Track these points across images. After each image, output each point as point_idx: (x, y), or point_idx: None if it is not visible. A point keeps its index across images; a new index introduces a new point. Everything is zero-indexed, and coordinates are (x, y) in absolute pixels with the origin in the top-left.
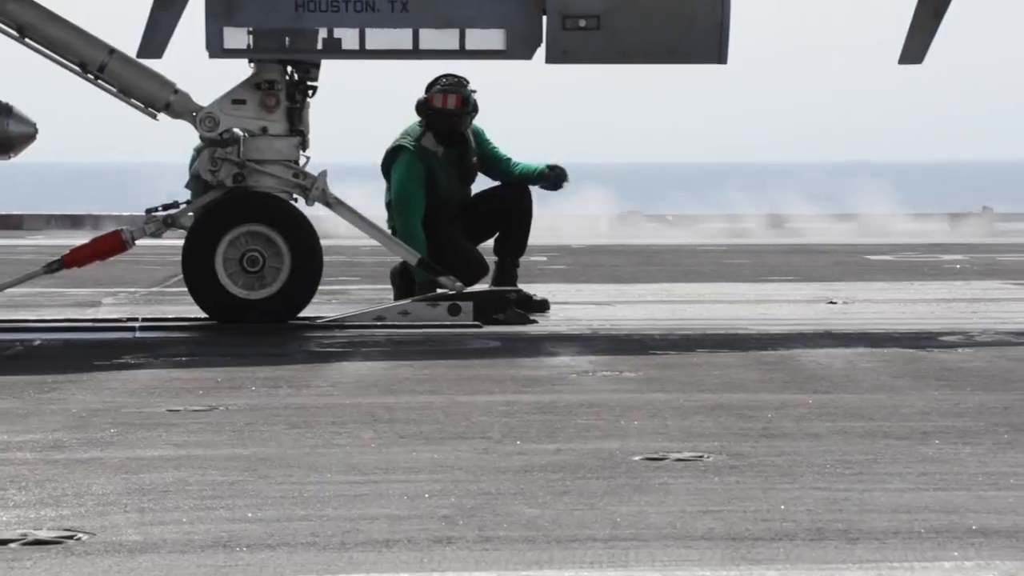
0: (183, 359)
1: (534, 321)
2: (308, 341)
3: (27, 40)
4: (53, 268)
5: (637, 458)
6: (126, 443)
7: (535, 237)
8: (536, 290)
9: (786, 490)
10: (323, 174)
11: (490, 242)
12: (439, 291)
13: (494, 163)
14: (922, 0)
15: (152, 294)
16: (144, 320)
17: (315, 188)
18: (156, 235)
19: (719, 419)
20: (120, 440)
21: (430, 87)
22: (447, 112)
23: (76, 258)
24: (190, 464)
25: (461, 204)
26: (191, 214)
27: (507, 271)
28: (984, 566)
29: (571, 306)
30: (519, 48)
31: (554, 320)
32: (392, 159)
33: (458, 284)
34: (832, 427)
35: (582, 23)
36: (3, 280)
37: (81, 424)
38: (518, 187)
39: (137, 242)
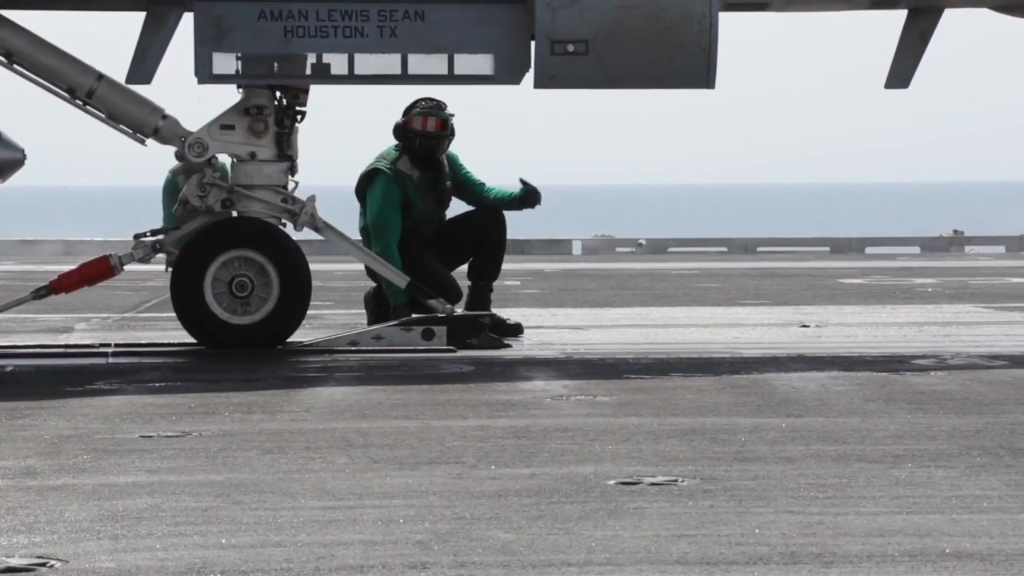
0: (156, 385)
1: (508, 345)
2: (282, 366)
3: (15, 66)
4: (41, 294)
5: (611, 482)
6: (99, 469)
7: (508, 261)
8: (510, 314)
9: (760, 514)
10: (311, 199)
11: (463, 267)
12: (429, 314)
13: (468, 187)
14: (908, 25)
15: (125, 320)
16: (117, 346)
17: (304, 213)
18: (144, 260)
19: (693, 443)
20: (93, 466)
21: (408, 110)
22: (427, 135)
23: (64, 283)
24: (163, 490)
25: (435, 228)
26: (179, 239)
27: (481, 295)
28: None
29: (545, 330)
30: (507, 73)
31: (528, 344)
32: (368, 182)
33: (448, 307)
34: (805, 451)
35: (571, 48)
36: None
37: (53, 451)
38: (492, 213)
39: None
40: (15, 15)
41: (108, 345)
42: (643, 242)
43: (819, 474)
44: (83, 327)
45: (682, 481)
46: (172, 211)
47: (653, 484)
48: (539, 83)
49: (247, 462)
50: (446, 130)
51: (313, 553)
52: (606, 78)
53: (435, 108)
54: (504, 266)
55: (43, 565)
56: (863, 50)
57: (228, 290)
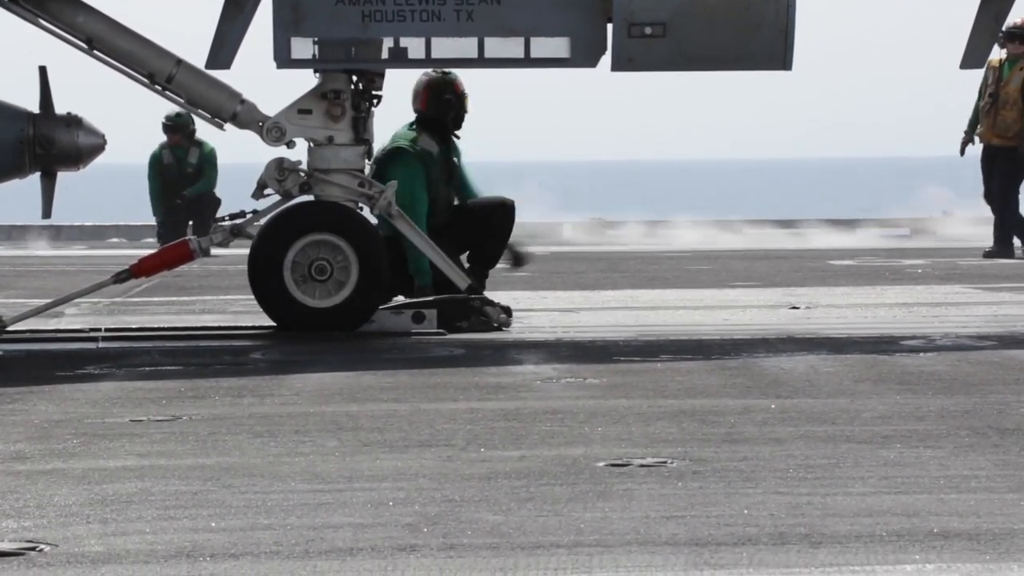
0: (146, 369)
1: (498, 328)
2: (271, 350)
3: (95, 52)
4: (122, 278)
5: (601, 464)
6: (89, 453)
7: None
8: (500, 297)
9: (749, 495)
10: (391, 185)
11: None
12: (483, 317)
13: (463, 189)
14: (983, 6)
15: (115, 304)
16: (107, 330)
17: (383, 198)
18: (223, 244)
19: (682, 425)
20: (83, 451)
21: (430, 83)
22: (462, 96)
23: (144, 267)
24: (153, 474)
25: (447, 207)
26: (257, 224)
27: (476, 277)
28: (945, 569)
29: (535, 313)
30: (583, 56)
31: (518, 327)
32: (389, 162)
33: (502, 316)
34: (794, 432)
35: (648, 31)
36: (71, 291)
37: (43, 435)
38: (503, 206)
39: (93, 252)
40: (95, 1)
41: (98, 330)
42: (632, 223)
43: (808, 455)
44: (73, 312)
45: (671, 463)
46: (251, 195)
47: (642, 466)
48: (616, 66)
49: (237, 446)
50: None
51: (303, 536)
52: (683, 60)
53: (451, 75)
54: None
55: (32, 549)
56: (850, 26)
57: (308, 274)
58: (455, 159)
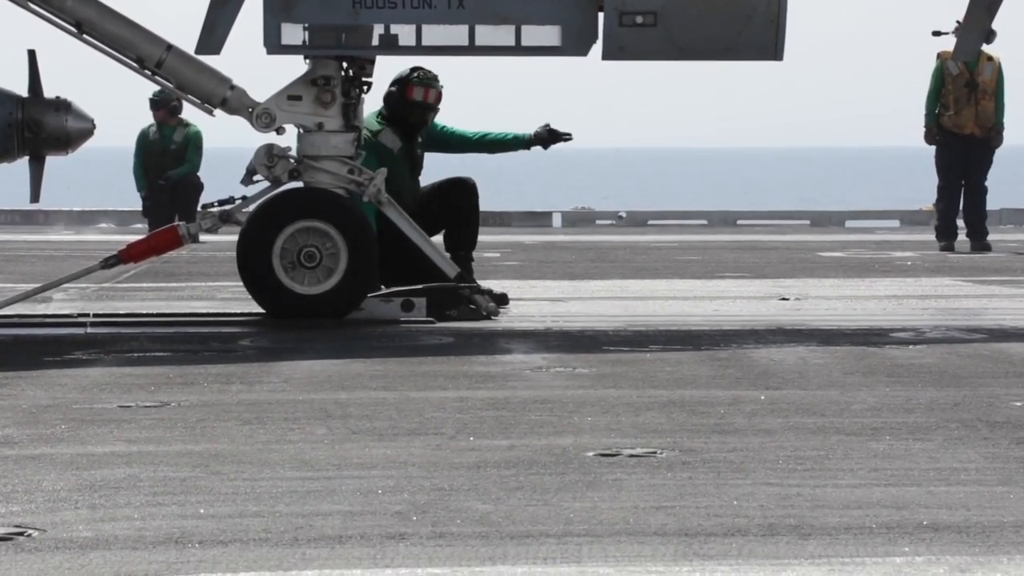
0: (134, 355)
1: (487, 317)
2: (260, 336)
3: (85, 36)
4: (110, 263)
5: (590, 454)
6: (77, 439)
7: (488, 233)
8: (489, 286)
9: (738, 486)
10: (381, 172)
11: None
12: (472, 305)
13: (459, 141)
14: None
15: (103, 290)
16: (95, 316)
17: (372, 185)
18: (211, 231)
19: (672, 415)
20: (71, 436)
21: (405, 80)
22: (425, 106)
23: (133, 253)
24: (141, 460)
25: (412, 198)
26: (246, 210)
27: (462, 264)
28: (934, 561)
29: (524, 302)
30: (574, 45)
31: (507, 316)
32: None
33: (491, 305)
34: (784, 423)
35: (639, 19)
36: (60, 276)
37: (31, 420)
38: (460, 183)
39: (80, 238)
40: None
41: (87, 315)
42: (623, 215)
43: (797, 446)
44: (61, 297)
45: (661, 453)
46: (240, 181)
47: (632, 456)
48: (607, 55)
49: (226, 432)
50: (439, 103)
51: (291, 523)
52: (675, 50)
53: (433, 79)
54: (484, 238)
55: (20, 534)
56: (835, 15)
57: (296, 260)
58: (419, 152)
